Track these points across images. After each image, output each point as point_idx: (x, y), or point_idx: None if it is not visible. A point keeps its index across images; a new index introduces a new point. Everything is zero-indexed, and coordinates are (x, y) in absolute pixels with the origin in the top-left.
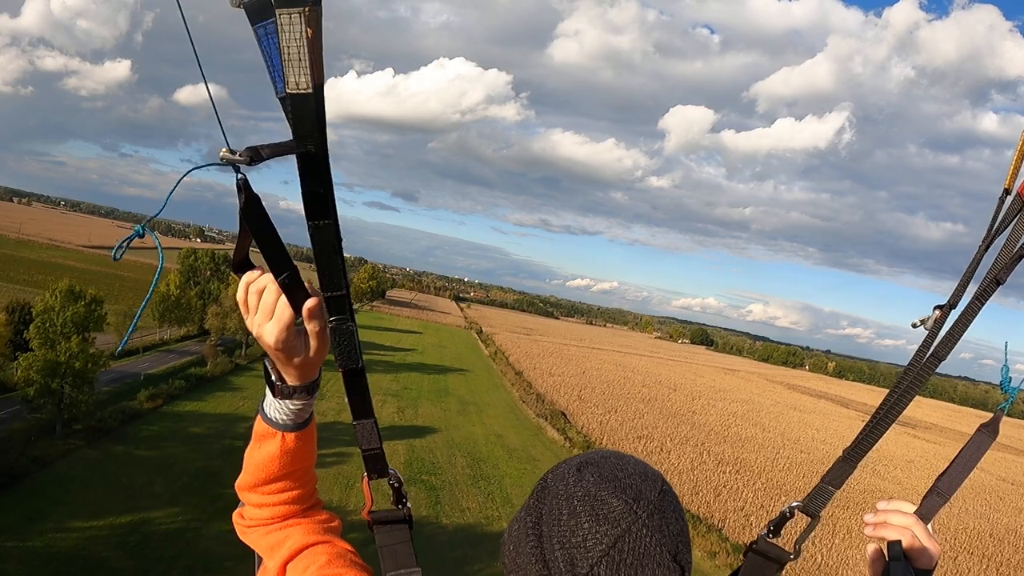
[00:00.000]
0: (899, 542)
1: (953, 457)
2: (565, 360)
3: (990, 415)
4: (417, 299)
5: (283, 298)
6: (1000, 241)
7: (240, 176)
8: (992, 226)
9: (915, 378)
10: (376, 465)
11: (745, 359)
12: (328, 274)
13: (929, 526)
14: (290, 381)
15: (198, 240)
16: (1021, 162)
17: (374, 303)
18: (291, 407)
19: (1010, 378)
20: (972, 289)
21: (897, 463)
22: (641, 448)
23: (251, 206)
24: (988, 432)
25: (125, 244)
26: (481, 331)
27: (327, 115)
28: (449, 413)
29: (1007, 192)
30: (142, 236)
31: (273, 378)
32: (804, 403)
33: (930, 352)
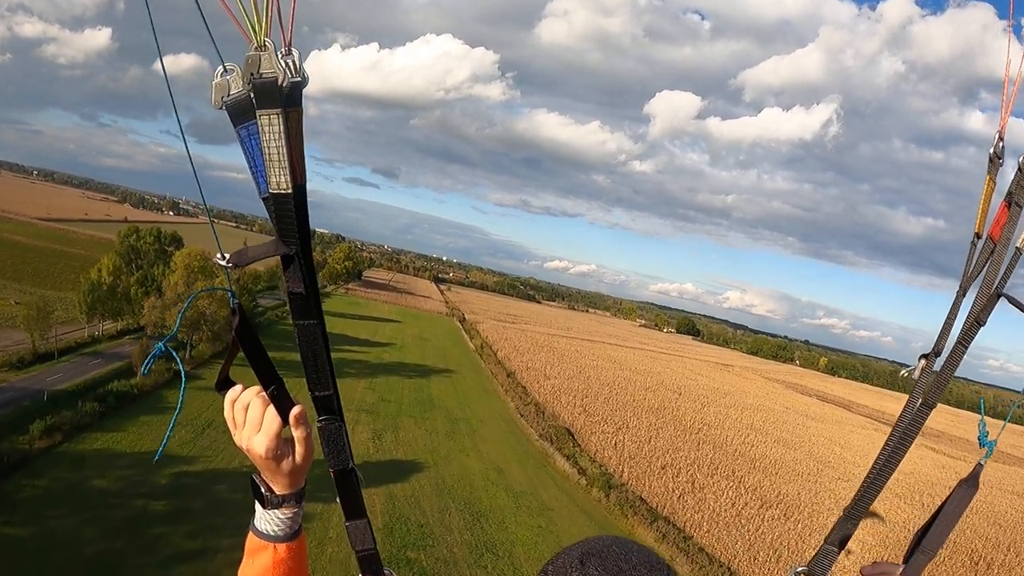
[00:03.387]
0: None
1: (934, 513)
2: (558, 356)
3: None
4: (395, 280)
5: (271, 409)
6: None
7: (235, 302)
8: (966, 271)
9: (908, 427)
10: (371, 566)
11: (734, 351)
12: (316, 373)
13: None
14: (278, 490)
15: (171, 213)
16: (988, 207)
17: (350, 285)
18: (281, 517)
19: (987, 432)
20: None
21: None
22: (671, 484)
23: (245, 327)
24: (969, 486)
25: (150, 362)
26: (464, 319)
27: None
28: (436, 437)
29: (978, 236)
30: (162, 354)
31: (262, 490)
32: (812, 409)
33: (920, 400)
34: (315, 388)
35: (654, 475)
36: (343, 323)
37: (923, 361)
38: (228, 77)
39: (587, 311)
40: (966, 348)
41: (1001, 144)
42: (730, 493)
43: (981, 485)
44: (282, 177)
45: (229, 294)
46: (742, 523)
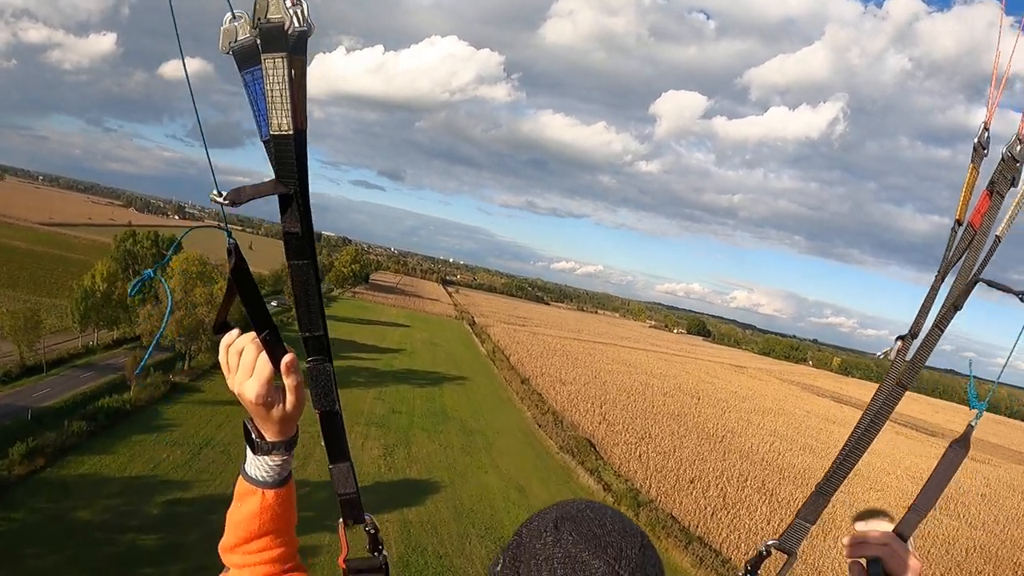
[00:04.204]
0: (878, 559)
1: (929, 474)
2: (571, 360)
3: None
4: (402, 283)
5: (263, 355)
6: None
7: (231, 242)
8: (946, 257)
9: (882, 406)
10: (352, 511)
11: (745, 352)
12: (307, 314)
13: (910, 543)
14: (269, 437)
15: (176, 217)
16: (970, 195)
17: (357, 289)
18: (270, 463)
19: (976, 394)
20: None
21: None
22: (702, 500)
23: (240, 269)
24: (960, 447)
25: (139, 284)
26: (474, 322)
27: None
28: (451, 452)
29: (959, 223)
30: (152, 278)
31: (253, 436)
32: (833, 412)
33: (896, 381)
34: (306, 329)
35: (683, 490)
36: (350, 328)
37: (899, 343)
38: (236, 24)
39: (596, 312)
40: (942, 332)
41: (987, 134)
42: (764, 508)
43: None
44: (283, 119)
45: (225, 233)
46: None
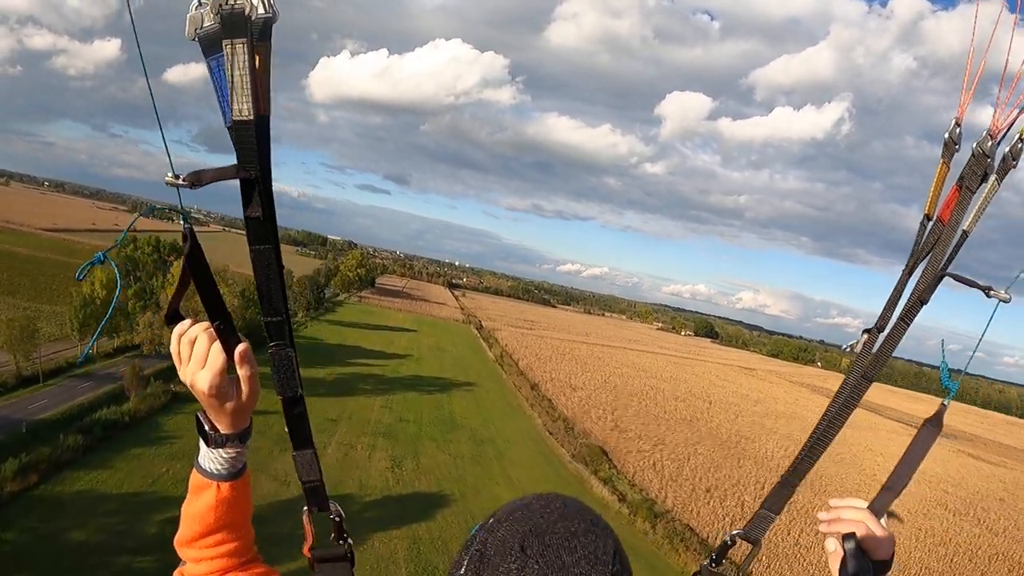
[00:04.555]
0: (853, 534)
1: (903, 453)
2: (580, 364)
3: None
4: (409, 287)
5: (216, 344)
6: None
7: (187, 226)
8: (914, 251)
9: (847, 399)
10: (316, 498)
11: (753, 354)
12: (268, 299)
13: (883, 520)
14: (223, 429)
15: (182, 222)
16: (940, 190)
17: (363, 293)
18: (224, 456)
19: (949, 374)
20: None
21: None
22: (720, 510)
23: (195, 254)
24: (933, 426)
25: (87, 268)
26: (481, 326)
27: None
28: (461, 463)
29: (927, 218)
30: (102, 263)
31: (206, 428)
32: (851, 419)
33: (861, 373)
34: (268, 314)
35: (700, 499)
36: (356, 334)
37: (866, 336)
38: (202, 10)
39: (603, 315)
40: (908, 325)
41: (958, 130)
42: (783, 518)
43: None
44: (244, 104)
45: (181, 217)
46: (801, 553)
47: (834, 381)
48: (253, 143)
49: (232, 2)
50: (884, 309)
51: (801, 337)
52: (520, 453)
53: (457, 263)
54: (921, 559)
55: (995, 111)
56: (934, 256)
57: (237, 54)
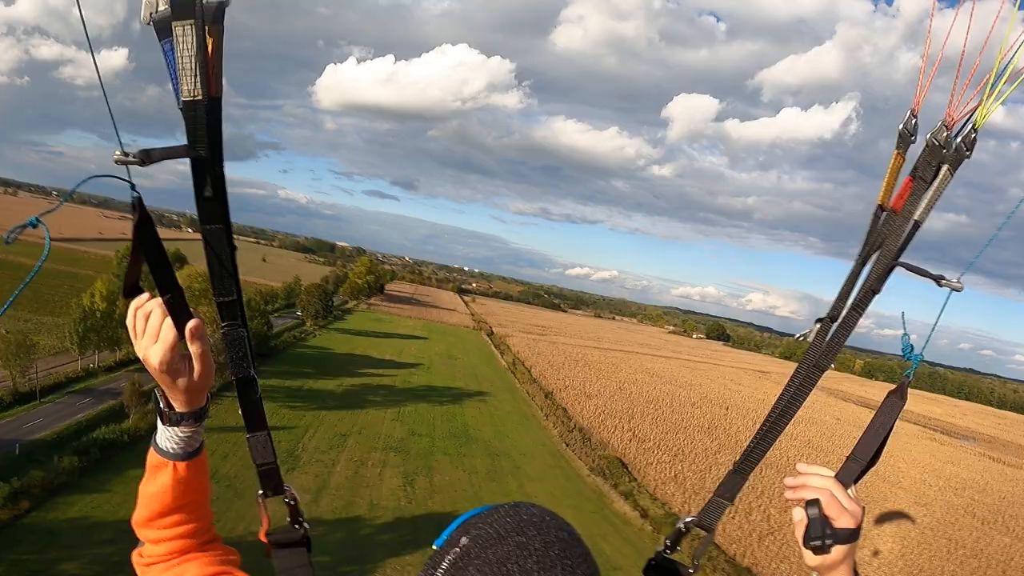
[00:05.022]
0: (817, 500)
1: (868, 424)
2: (594, 371)
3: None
4: (418, 293)
5: (168, 320)
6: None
7: (135, 195)
8: (867, 241)
9: (799, 388)
10: (271, 481)
11: (766, 356)
12: (219, 279)
13: (851, 491)
14: (178, 408)
15: (189, 231)
16: (894, 180)
17: (372, 300)
18: (180, 435)
19: (911, 346)
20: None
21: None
22: (745, 524)
23: (144, 225)
24: (898, 397)
25: (18, 231)
26: (492, 332)
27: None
28: (477, 479)
29: (881, 208)
30: (35, 227)
31: (161, 405)
32: (861, 418)
33: (814, 363)
34: (219, 294)
35: (735, 524)
36: (366, 342)
37: (818, 325)
38: None
39: (614, 318)
40: (860, 314)
41: (914, 121)
42: (790, 533)
43: None
44: (194, 85)
45: (130, 187)
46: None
47: (849, 384)
48: (203, 122)
49: None
50: (837, 299)
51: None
52: (537, 466)
53: (466, 268)
54: (955, 572)
55: (950, 102)
56: (887, 246)
57: (186, 35)
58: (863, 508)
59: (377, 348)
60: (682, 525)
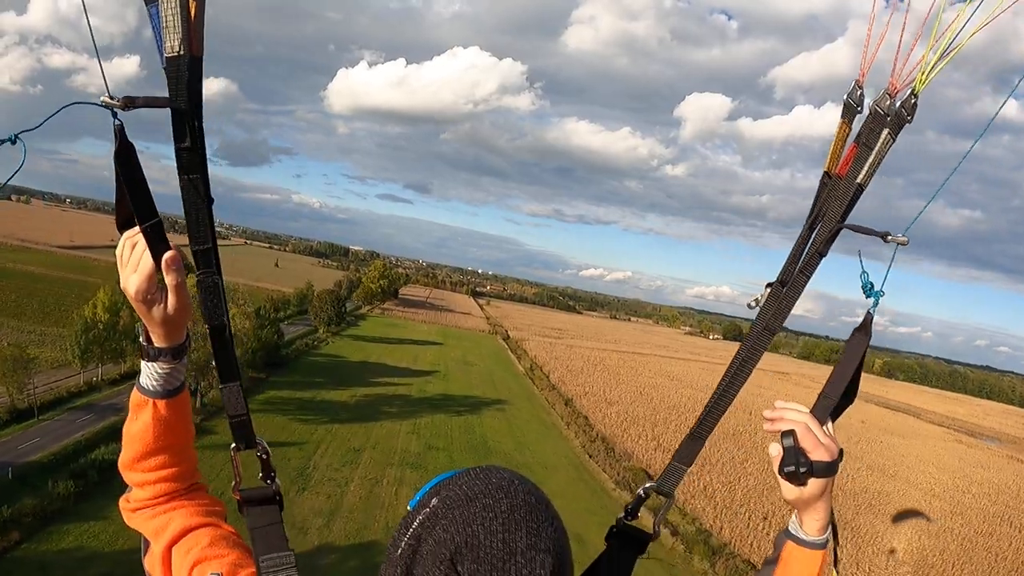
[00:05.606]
0: (792, 431)
1: (836, 364)
2: (613, 375)
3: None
4: (433, 297)
5: (147, 250)
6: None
7: (117, 123)
8: (815, 206)
9: (750, 351)
10: (243, 433)
11: (783, 356)
12: (196, 227)
13: (829, 427)
14: (157, 342)
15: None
16: (840, 147)
17: (386, 305)
18: (160, 371)
19: (871, 283)
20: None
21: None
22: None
23: (125, 152)
24: (863, 334)
25: None
26: (508, 336)
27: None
28: None
29: (828, 174)
30: (13, 143)
31: (142, 340)
32: (887, 421)
33: (764, 326)
34: (195, 243)
35: (757, 529)
36: (380, 349)
37: (768, 289)
38: None
39: (629, 320)
40: (808, 277)
41: (859, 92)
42: (850, 547)
43: None
44: (175, 41)
45: (111, 113)
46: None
47: (868, 383)
48: (185, 76)
49: None
50: (787, 263)
51: (828, 337)
52: (560, 481)
53: (480, 270)
54: None
55: (893, 71)
56: (832, 210)
57: None
58: (839, 445)
59: (391, 355)
60: (642, 491)
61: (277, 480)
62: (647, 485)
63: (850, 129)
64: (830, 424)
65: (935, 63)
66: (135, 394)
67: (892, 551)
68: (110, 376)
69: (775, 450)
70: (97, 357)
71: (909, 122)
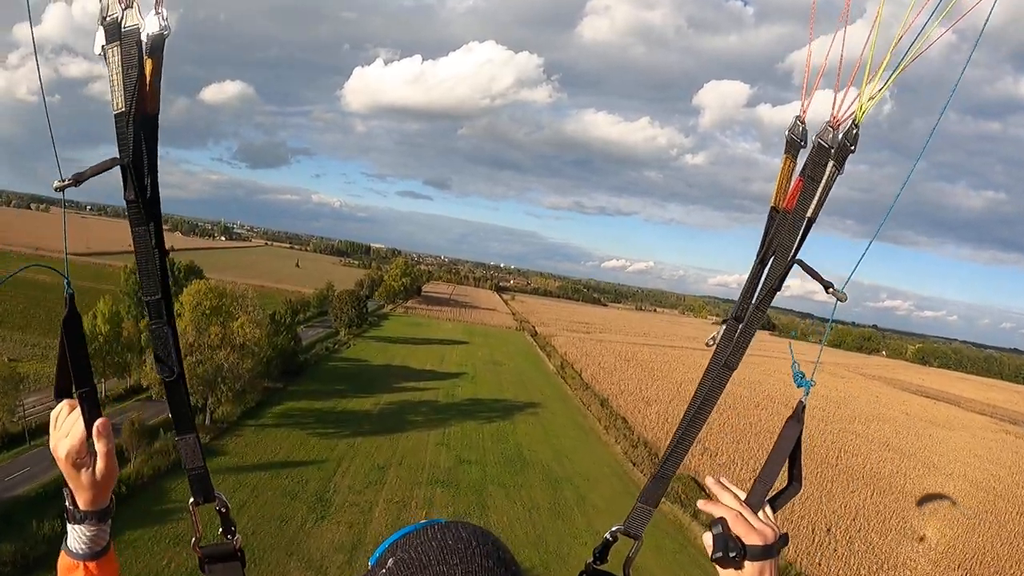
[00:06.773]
0: (722, 519)
1: (771, 448)
2: (648, 371)
3: None
4: (456, 294)
5: (80, 417)
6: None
7: (69, 291)
8: (764, 240)
9: (711, 389)
10: (202, 487)
11: (813, 345)
12: (146, 279)
13: (768, 511)
14: (82, 506)
15: (223, 239)
16: (786, 182)
17: (409, 303)
18: (87, 534)
19: (802, 373)
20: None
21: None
22: (853, 560)
23: (72, 320)
24: (796, 422)
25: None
26: (536, 332)
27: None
28: (538, 516)
29: (775, 210)
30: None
31: (68, 504)
32: (929, 411)
33: (723, 362)
34: (146, 293)
35: (821, 542)
36: (404, 351)
37: (724, 326)
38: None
39: (655, 311)
40: (763, 313)
41: (801, 127)
42: (924, 563)
43: None
44: (118, 99)
45: (64, 280)
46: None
47: (904, 371)
48: (127, 132)
49: (107, 14)
50: (740, 299)
51: (854, 323)
52: (604, 494)
53: (502, 265)
54: None
55: (833, 104)
56: (783, 245)
57: (112, 56)
58: (775, 528)
59: (416, 357)
60: (609, 535)
61: (238, 535)
62: (614, 528)
63: (795, 164)
64: (768, 509)
65: (873, 95)
66: (63, 557)
67: (922, 538)
68: (114, 392)
69: (708, 539)
70: (100, 372)
71: (852, 151)
